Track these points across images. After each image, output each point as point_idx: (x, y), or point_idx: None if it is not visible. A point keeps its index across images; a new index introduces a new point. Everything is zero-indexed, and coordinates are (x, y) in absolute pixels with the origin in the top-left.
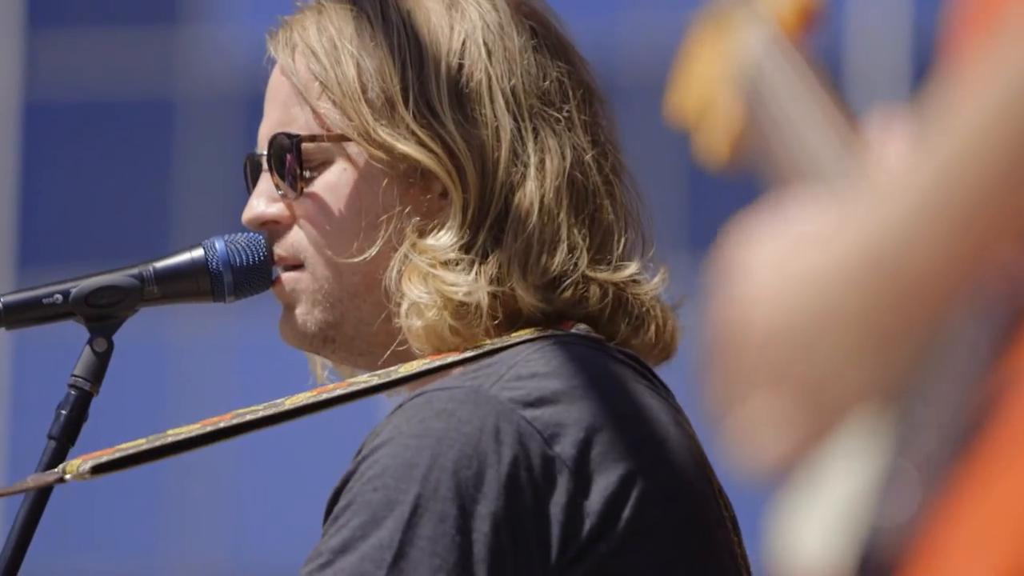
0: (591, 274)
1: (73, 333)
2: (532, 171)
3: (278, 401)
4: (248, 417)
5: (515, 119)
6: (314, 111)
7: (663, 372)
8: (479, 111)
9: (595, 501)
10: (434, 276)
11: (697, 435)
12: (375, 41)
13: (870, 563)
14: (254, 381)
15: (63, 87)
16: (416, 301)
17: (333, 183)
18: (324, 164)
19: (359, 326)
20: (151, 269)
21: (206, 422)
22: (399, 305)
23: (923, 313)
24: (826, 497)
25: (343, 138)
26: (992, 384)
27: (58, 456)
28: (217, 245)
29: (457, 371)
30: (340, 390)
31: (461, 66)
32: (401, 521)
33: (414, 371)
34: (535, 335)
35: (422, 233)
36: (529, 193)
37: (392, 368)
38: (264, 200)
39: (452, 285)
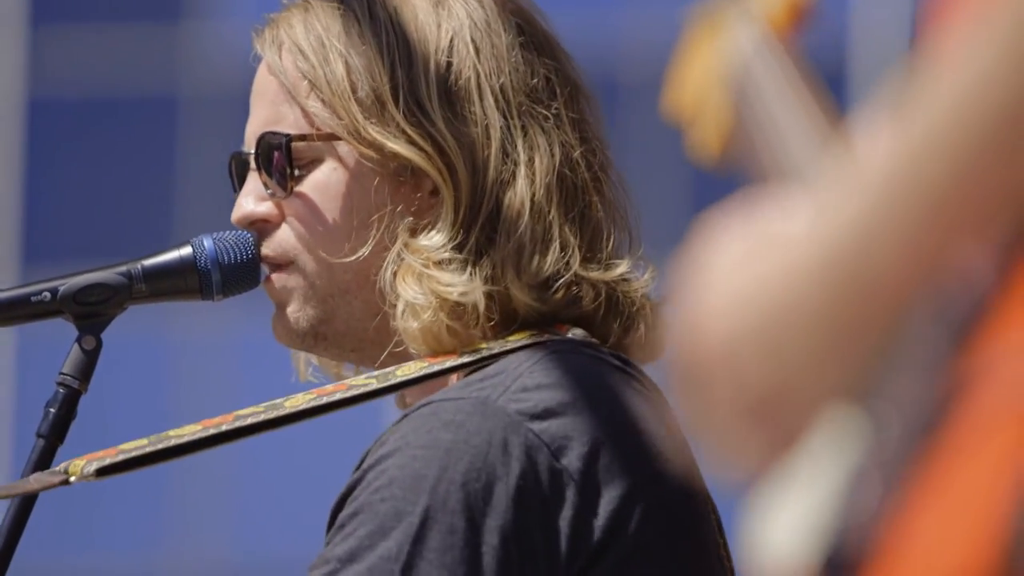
0: (583, 273)
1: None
2: (522, 169)
3: (277, 402)
4: (249, 420)
5: (504, 117)
6: (303, 110)
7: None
8: (468, 109)
9: (601, 515)
10: (428, 276)
11: (686, 435)
12: (363, 39)
13: (835, 562)
14: (256, 377)
15: (67, 83)
16: (412, 302)
17: (323, 182)
18: (313, 163)
19: (350, 322)
20: (139, 267)
21: (207, 423)
22: (394, 306)
23: (883, 312)
24: (795, 496)
25: (333, 137)
26: (950, 381)
27: (47, 454)
28: (205, 243)
29: (455, 377)
30: (339, 393)
31: (450, 64)
32: (409, 533)
33: (412, 375)
34: (532, 340)
35: (414, 232)
36: (520, 191)
37: (389, 370)
38: (252, 199)
39: (447, 285)
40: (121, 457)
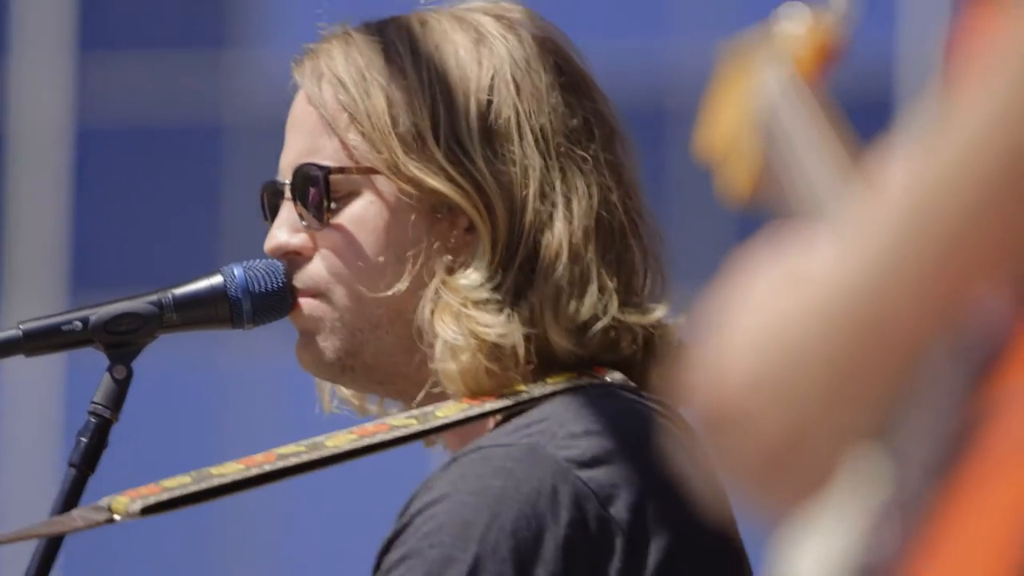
0: (621, 317)
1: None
2: (560, 211)
3: (318, 440)
4: (292, 461)
5: (543, 157)
6: (342, 142)
7: None
8: (508, 148)
9: (650, 566)
10: (467, 316)
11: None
12: (404, 74)
13: None
14: (291, 406)
15: (114, 112)
16: (450, 342)
17: (360, 216)
18: (350, 196)
19: (379, 356)
20: (170, 296)
21: (248, 462)
22: (432, 345)
23: (900, 352)
24: (819, 538)
25: (372, 171)
26: (968, 419)
27: (78, 484)
28: (236, 271)
29: (493, 421)
30: (381, 435)
31: (490, 102)
32: None
33: (454, 417)
34: (571, 384)
35: (451, 270)
36: (558, 233)
37: (428, 409)
38: (287, 230)
39: (485, 326)
40: (166, 496)
